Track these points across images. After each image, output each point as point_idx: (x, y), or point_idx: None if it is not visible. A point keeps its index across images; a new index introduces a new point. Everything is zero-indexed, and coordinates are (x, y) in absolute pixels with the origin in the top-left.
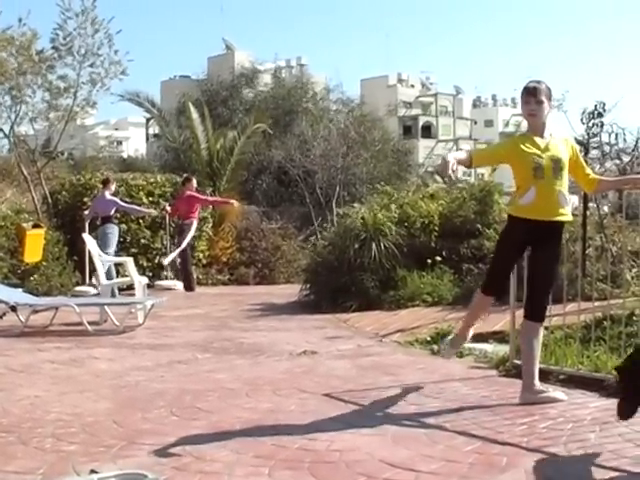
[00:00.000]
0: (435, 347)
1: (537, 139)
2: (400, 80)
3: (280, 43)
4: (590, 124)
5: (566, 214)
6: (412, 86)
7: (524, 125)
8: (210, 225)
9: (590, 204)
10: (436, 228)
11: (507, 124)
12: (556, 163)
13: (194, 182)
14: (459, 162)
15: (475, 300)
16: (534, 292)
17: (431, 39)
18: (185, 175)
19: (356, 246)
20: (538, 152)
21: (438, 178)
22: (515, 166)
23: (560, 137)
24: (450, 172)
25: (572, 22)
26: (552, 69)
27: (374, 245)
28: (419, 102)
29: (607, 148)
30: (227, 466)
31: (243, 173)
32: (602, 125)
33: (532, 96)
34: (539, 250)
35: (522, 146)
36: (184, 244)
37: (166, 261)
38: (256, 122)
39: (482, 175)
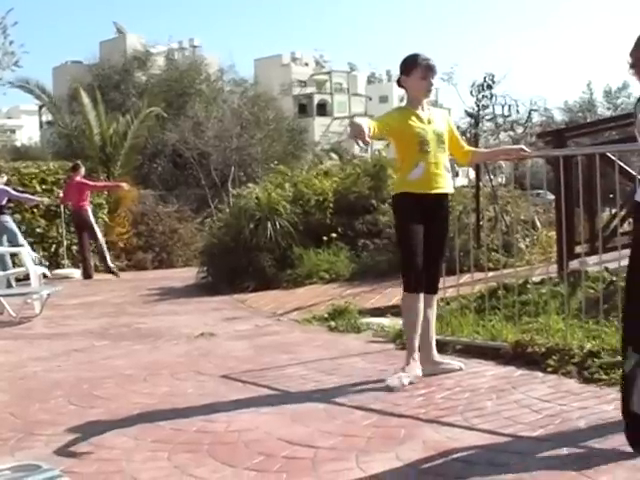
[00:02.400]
0: (332, 323)
1: (420, 113)
2: (294, 59)
3: (173, 25)
4: (480, 96)
5: (450, 186)
6: (306, 64)
7: None
8: (105, 211)
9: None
10: (331, 205)
11: (402, 99)
12: (439, 136)
13: (83, 169)
14: None
15: (404, 305)
16: (433, 266)
17: (324, 17)
18: (74, 162)
19: (251, 226)
20: (423, 126)
21: (334, 155)
22: (401, 141)
23: (437, 110)
24: (367, 137)
25: None
26: (441, 42)
27: (269, 224)
28: (313, 80)
29: (501, 120)
30: (125, 452)
31: (137, 157)
32: (492, 97)
33: (433, 74)
34: (430, 224)
35: (408, 121)
36: (99, 234)
37: (111, 264)
38: (149, 106)
39: (378, 151)
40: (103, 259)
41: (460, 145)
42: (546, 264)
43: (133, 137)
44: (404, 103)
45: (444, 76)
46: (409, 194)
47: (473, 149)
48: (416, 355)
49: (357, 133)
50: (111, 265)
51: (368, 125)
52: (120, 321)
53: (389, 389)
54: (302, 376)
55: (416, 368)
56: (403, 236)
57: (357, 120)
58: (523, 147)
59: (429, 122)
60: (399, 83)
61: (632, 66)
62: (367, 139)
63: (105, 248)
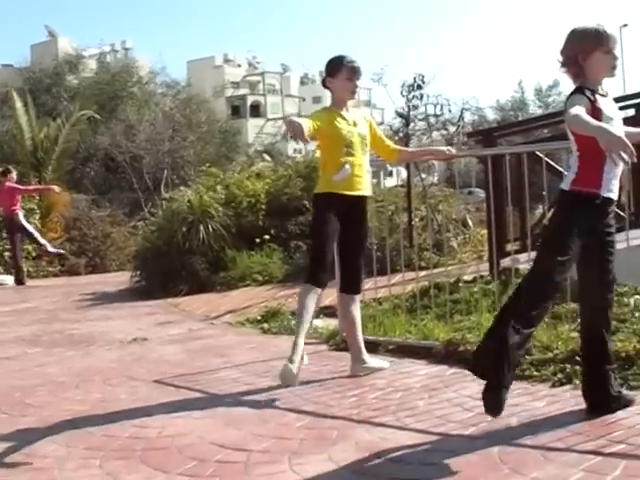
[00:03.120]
0: (266, 325)
1: (345, 114)
2: (227, 60)
3: (105, 28)
4: (410, 96)
5: (370, 188)
6: (239, 66)
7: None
8: (37, 216)
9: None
10: (263, 207)
11: None
12: (363, 138)
13: (14, 173)
14: None
15: (299, 295)
16: (351, 266)
17: (256, 18)
18: (5, 167)
19: (184, 229)
20: (349, 128)
21: (267, 157)
22: (328, 142)
23: (358, 111)
24: (306, 135)
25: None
26: (373, 42)
27: (202, 227)
28: (246, 81)
29: (433, 119)
30: (57, 461)
31: (70, 162)
32: (422, 97)
33: (358, 75)
34: (350, 225)
35: (335, 122)
36: (39, 237)
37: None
38: (81, 109)
39: (313, 152)
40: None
41: (385, 144)
42: (478, 262)
43: (65, 141)
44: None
45: (374, 77)
46: (332, 194)
47: (400, 148)
48: (300, 346)
49: (296, 131)
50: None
51: (307, 124)
52: (53, 327)
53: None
54: (235, 379)
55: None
56: (316, 232)
57: (295, 118)
58: (450, 147)
59: (354, 124)
60: (324, 84)
61: (563, 64)
62: (307, 139)
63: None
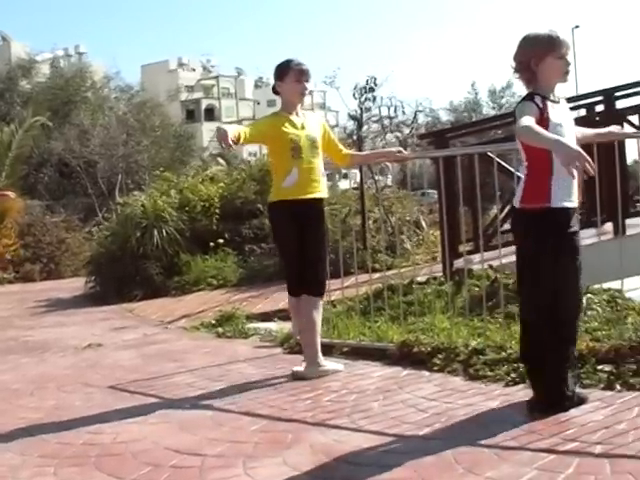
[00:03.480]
0: (220, 330)
1: (294, 118)
2: (181, 64)
3: (59, 32)
4: (363, 99)
5: (325, 190)
6: (193, 70)
7: (307, 103)
8: None
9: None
10: (217, 211)
11: None
12: (312, 142)
13: None
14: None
15: (291, 308)
16: (311, 268)
17: (210, 22)
18: None
19: (138, 234)
20: (296, 131)
21: (221, 160)
22: (274, 147)
23: (312, 115)
24: (230, 140)
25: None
26: (326, 45)
27: (156, 232)
28: (201, 85)
29: (387, 122)
30: (11, 469)
31: (23, 167)
32: (374, 99)
33: (307, 77)
34: (306, 228)
35: (282, 127)
36: None
37: None
38: (34, 114)
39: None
40: None
41: (338, 148)
42: (431, 264)
43: (18, 147)
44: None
45: (327, 79)
46: (284, 202)
47: (351, 152)
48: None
49: (221, 137)
50: None
51: (237, 131)
52: (7, 334)
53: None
54: (189, 384)
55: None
56: (281, 243)
57: (224, 126)
58: (401, 149)
59: (302, 127)
60: (274, 90)
61: (516, 70)
62: (230, 143)
63: None
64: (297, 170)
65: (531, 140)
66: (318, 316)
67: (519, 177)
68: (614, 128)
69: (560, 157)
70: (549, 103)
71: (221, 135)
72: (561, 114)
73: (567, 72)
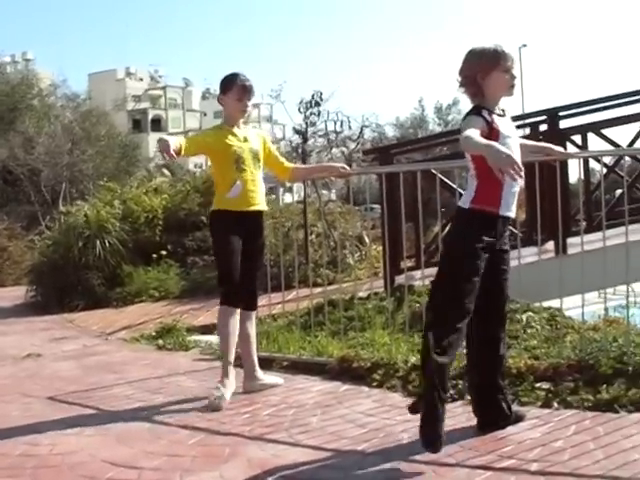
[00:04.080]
0: (161, 342)
1: (236, 131)
2: (129, 74)
3: (5, 39)
4: (308, 113)
5: (264, 203)
6: (141, 79)
7: (254, 115)
8: None
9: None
10: (160, 222)
11: None
12: (255, 154)
13: None
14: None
15: (220, 319)
16: (249, 282)
17: (159, 32)
18: None
19: (80, 244)
20: (239, 144)
21: (166, 172)
22: (218, 158)
23: (253, 129)
24: (172, 151)
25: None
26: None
27: (98, 242)
28: (148, 95)
29: (333, 136)
30: None
31: None
32: (319, 114)
33: (249, 95)
34: (247, 241)
35: (225, 139)
36: None
37: None
38: None
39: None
40: None
41: (279, 162)
42: (373, 279)
43: None
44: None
45: (273, 92)
46: (227, 212)
47: (293, 166)
48: (231, 368)
49: (163, 148)
50: None
51: (179, 142)
52: None
53: (213, 409)
54: (128, 396)
55: (233, 381)
56: (220, 251)
57: (165, 137)
58: (344, 165)
59: (245, 140)
60: (219, 101)
61: (461, 84)
62: (172, 154)
63: None
64: (241, 182)
65: (470, 147)
66: (253, 330)
67: (461, 194)
68: (555, 147)
69: (490, 161)
70: (496, 116)
71: (163, 146)
72: (508, 127)
73: (512, 86)
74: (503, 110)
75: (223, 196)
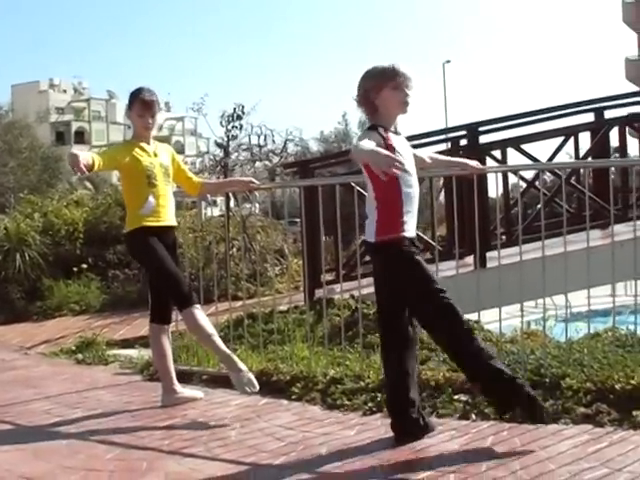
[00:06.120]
0: (80, 356)
1: (145, 146)
2: (52, 85)
3: None
4: (230, 127)
5: (174, 218)
6: (64, 91)
7: (178, 128)
8: None
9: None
10: (81, 235)
11: (161, 128)
12: (165, 169)
13: None
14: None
15: (151, 338)
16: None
17: (83, 44)
18: None
19: (0, 257)
20: (150, 159)
21: (88, 184)
22: (129, 174)
23: (162, 145)
24: (82, 166)
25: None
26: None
27: (18, 256)
28: (72, 107)
29: (256, 150)
30: None
31: None
32: (241, 127)
33: (149, 110)
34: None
35: (135, 154)
36: None
37: None
38: None
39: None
40: None
41: (188, 177)
42: (293, 293)
43: None
44: (163, 132)
45: (194, 106)
46: (144, 228)
47: (202, 181)
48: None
49: (72, 163)
50: None
51: (90, 157)
52: None
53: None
54: (46, 411)
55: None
56: (154, 261)
57: (75, 151)
58: (252, 179)
59: (155, 155)
60: (127, 116)
61: (358, 103)
62: (82, 169)
63: None
64: (152, 197)
65: (357, 154)
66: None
67: None
68: (471, 161)
69: (372, 164)
70: (391, 134)
71: (73, 161)
72: (403, 145)
73: (405, 103)
74: (396, 129)
75: (136, 213)
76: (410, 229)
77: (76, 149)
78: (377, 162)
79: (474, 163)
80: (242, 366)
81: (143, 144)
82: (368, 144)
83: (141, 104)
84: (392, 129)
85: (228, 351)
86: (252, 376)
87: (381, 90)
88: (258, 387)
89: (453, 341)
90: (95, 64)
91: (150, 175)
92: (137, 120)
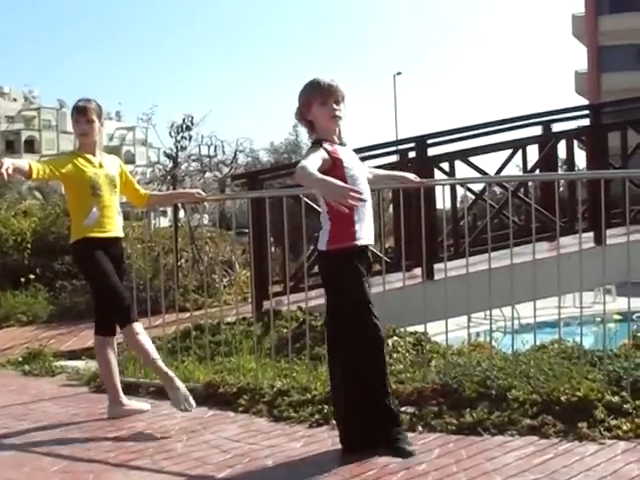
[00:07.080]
0: (27, 367)
1: (90, 157)
2: (2, 94)
3: None
4: (179, 137)
5: (121, 229)
6: (15, 100)
7: (129, 138)
8: None
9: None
10: (29, 245)
11: (112, 138)
12: (111, 180)
13: None
14: (18, 170)
15: (96, 350)
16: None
17: (34, 51)
18: None
19: None
20: (94, 170)
21: (38, 194)
22: (72, 186)
23: (109, 156)
24: (4, 171)
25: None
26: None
27: None
28: (22, 116)
29: (206, 160)
30: None
31: None
32: (190, 138)
33: (83, 115)
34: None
35: (79, 165)
36: None
37: None
38: None
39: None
40: None
41: (135, 188)
42: (240, 304)
43: None
44: (114, 142)
45: (143, 116)
46: (88, 239)
47: (149, 193)
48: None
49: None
50: None
51: (27, 164)
52: None
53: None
54: None
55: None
56: (97, 274)
57: (6, 159)
58: (199, 191)
59: (100, 166)
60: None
61: (297, 119)
62: (4, 173)
63: None
64: (97, 208)
65: (303, 179)
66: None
67: None
68: (409, 175)
69: (326, 195)
70: (337, 146)
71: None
72: (350, 157)
73: (335, 117)
74: (341, 140)
75: (80, 224)
76: (363, 237)
77: (26, 158)
78: (331, 193)
79: (412, 176)
80: (179, 384)
81: (88, 155)
82: (313, 165)
83: (75, 111)
84: (337, 141)
85: (166, 369)
86: (189, 394)
87: (311, 106)
88: (195, 405)
89: (363, 378)
90: (46, 73)
91: (94, 186)
92: (75, 127)
